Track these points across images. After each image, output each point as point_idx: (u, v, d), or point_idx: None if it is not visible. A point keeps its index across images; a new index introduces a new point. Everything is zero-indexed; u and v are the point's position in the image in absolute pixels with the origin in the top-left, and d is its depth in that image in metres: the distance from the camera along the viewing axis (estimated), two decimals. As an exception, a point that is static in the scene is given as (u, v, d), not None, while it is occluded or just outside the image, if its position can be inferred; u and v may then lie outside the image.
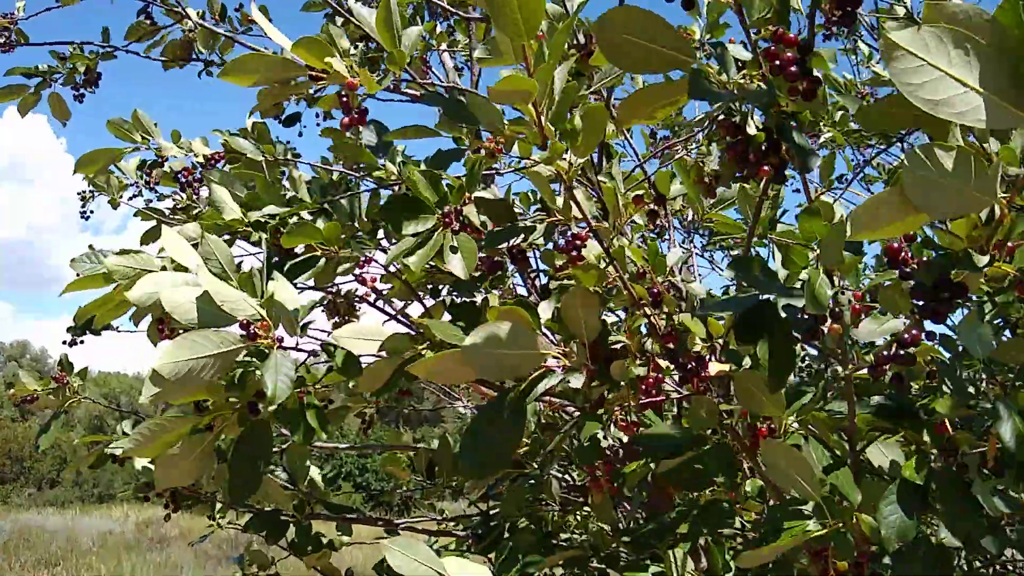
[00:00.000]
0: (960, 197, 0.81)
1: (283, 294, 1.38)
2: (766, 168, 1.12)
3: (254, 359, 1.37)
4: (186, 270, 1.40)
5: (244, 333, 1.32)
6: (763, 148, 1.12)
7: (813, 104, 1.10)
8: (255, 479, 1.42)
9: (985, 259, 0.95)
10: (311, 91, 1.57)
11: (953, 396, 1.31)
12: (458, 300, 2.00)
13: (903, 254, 1.05)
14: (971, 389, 1.35)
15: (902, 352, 1.17)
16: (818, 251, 1.23)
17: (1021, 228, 0.98)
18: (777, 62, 1.08)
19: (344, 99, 1.58)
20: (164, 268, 1.51)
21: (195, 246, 1.48)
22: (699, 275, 2.98)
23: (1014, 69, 0.73)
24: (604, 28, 1.05)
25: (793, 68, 1.08)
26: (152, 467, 1.79)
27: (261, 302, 1.36)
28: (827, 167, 2.55)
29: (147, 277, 1.34)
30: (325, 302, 2.77)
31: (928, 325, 1.24)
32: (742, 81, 1.14)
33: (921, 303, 1.00)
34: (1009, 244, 0.95)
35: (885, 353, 1.19)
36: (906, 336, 1.17)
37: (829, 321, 1.22)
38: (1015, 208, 0.94)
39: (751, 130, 1.12)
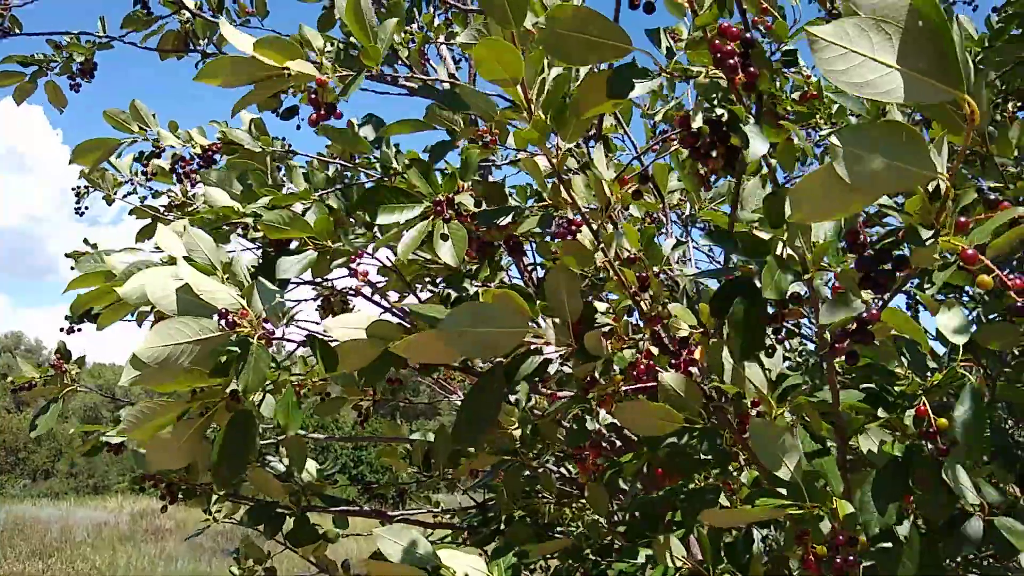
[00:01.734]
0: (895, 173, 0.83)
1: (264, 284, 1.40)
2: (713, 158, 1.16)
3: (238, 348, 1.39)
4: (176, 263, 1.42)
5: (223, 322, 1.34)
6: (709, 140, 1.15)
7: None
8: (239, 464, 1.44)
9: (929, 233, 0.97)
10: (288, 88, 1.59)
11: (915, 373, 1.33)
12: (453, 294, 2.02)
13: (862, 238, 1.06)
14: (933, 365, 1.37)
15: (859, 329, 1.18)
16: (785, 235, 1.24)
17: (971, 205, 0.99)
18: (719, 55, 1.11)
19: (313, 96, 1.60)
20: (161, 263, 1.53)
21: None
22: (697, 267, 2.99)
23: (936, 47, 0.77)
24: (545, 27, 1.08)
25: (732, 60, 1.11)
26: (145, 453, 1.80)
27: (241, 292, 1.38)
28: (787, 154, 2.55)
29: (138, 274, 1.37)
30: (320, 300, 2.78)
31: (928, 319, 1.25)
32: (696, 70, 1.17)
33: (861, 275, 1.02)
34: (961, 220, 0.96)
35: (840, 330, 1.20)
36: (864, 314, 1.18)
37: (789, 306, 1.25)
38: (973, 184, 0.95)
39: (695, 124, 1.15)
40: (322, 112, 1.63)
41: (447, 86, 2.14)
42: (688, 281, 1.62)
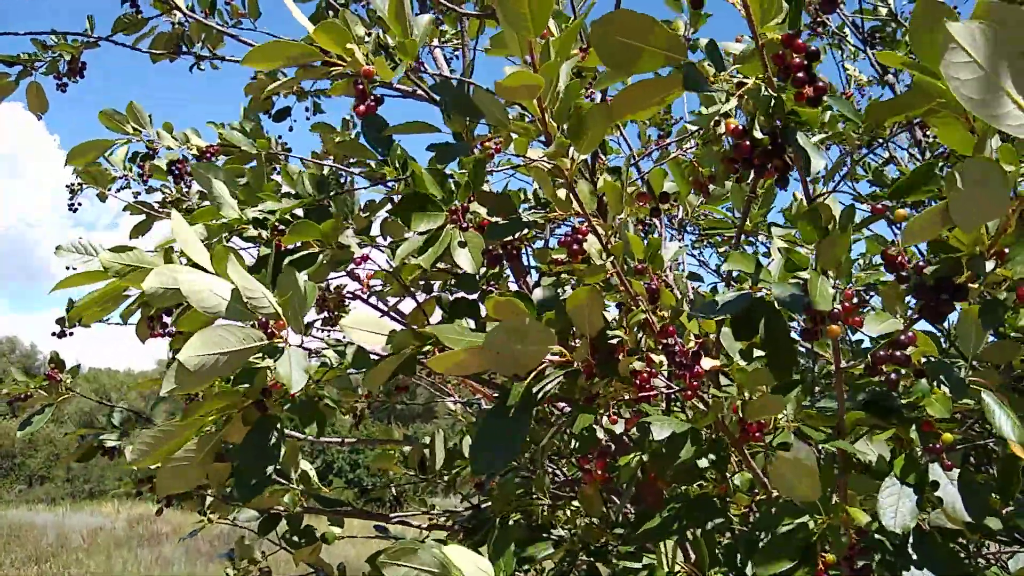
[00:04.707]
0: (984, 209, 0.84)
1: (295, 292, 1.39)
2: (770, 170, 1.14)
3: (265, 356, 1.38)
4: (194, 264, 1.40)
5: (264, 331, 1.33)
6: (768, 151, 1.13)
7: (816, 112, 1.11)
8: (264, 477, 1.42)
9: (991, 264, 0.98)
10: (328, 74, 1.57)
11: (947, 394, 1.33)
12: (452, 297, 2.01)
13: (900, 259, 1.07)
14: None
15: (897, 353, 1.19)
16: (816, 252, 1.24)
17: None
18: (786, 67, 1.09)
19: (359, 87, 1.58)
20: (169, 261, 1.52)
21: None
22: (689, 270, 3.00)
23: None
24: (599, 31, 1.06)
25: (801, 73, 1.09)
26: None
27: (280, 300, 1.37)
28: (834, 170, 2.57)
29: (159, 268, 1.34)
30: (316, 298, 2.78)
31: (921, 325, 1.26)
32: (743, 80, 1.15)
33: (923, 303, 1.03)
34: (1002, 249, 0.98)
35: (882, 353, 1.21)
36: (902, 337, 1.19)
37: (827, 322, 1.24)
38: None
39: (757, 133, 1.12)
40: (371, 103, 1.62)
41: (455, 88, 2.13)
42: (683, 287, 1.63)
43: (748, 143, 1.13)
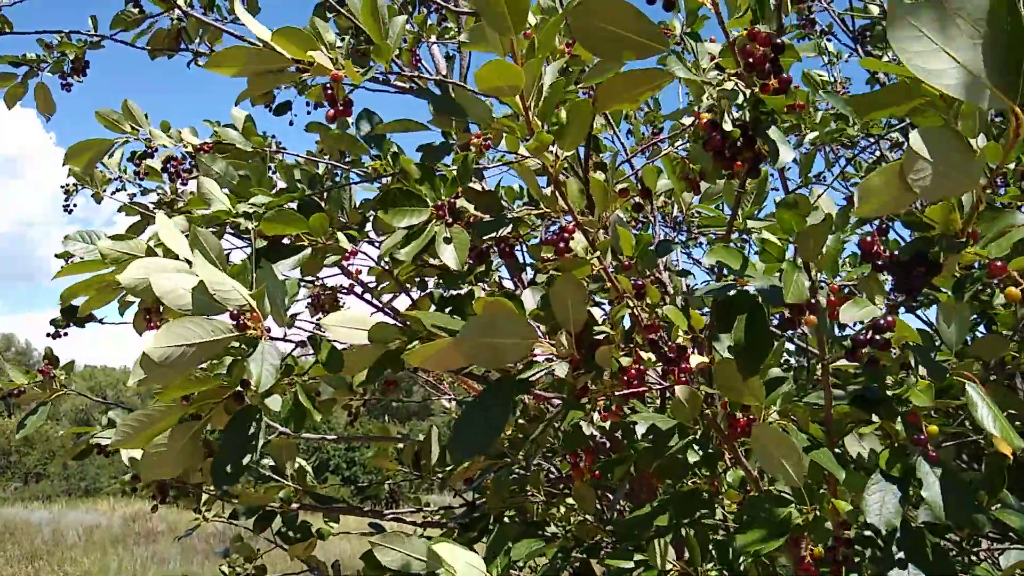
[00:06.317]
0: (950, 182, 0.85)
1: (272, 285, 1.39)
2: (740, 163, 1.15)
3: (242, 347, 1.38)
4: (176, 257, 1.41)
5: (235, 323, 1.33)
6: (738, 144, 1.14)
7: (782, 100, 1.13)
8: (239, 467, 1.42)
9: (963, 240, 0.99)
10: (300, 80, 1.57)
11: (928, 381, 1.34)
12: (446, 294, 2.02)
13: (876, 247, 1.08)
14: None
15: (877, 337, 1.20)
16: (796, 244, 1.25)
17: (1001, 223, 1.01)
18: (751, 59, 1.10)
19: (329, 91, 1.59)
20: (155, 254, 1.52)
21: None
22: (679, 266, 3.01)
23: (1004, 52, 0.76)
24: (579, 16, 1.08)
25: (766, 65, 1.10)
26: (139, 459, 1.80)
27: (251, 292, 1.37)
28: (806, 164, 2.59)
29: (138, 262, 1.34)
30: (310, 297, 2.78)
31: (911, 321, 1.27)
32: (719, 76, 1.16)
33: (896, 277, 1.04)
34: (975, 230, 0.99)
35: (861, 337, 1.22)
36: (881, 322, 1.20)
37: (806, 313, 1.25)
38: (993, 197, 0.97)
39: (727, 126, 1.14)
40: (340, 108, 1.62)
41: (442, 86, 2.14)
42: (677, 283, 1.64)
43: (719, 136, 1.14)
